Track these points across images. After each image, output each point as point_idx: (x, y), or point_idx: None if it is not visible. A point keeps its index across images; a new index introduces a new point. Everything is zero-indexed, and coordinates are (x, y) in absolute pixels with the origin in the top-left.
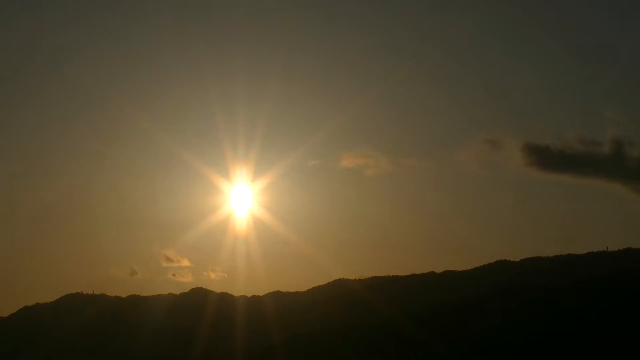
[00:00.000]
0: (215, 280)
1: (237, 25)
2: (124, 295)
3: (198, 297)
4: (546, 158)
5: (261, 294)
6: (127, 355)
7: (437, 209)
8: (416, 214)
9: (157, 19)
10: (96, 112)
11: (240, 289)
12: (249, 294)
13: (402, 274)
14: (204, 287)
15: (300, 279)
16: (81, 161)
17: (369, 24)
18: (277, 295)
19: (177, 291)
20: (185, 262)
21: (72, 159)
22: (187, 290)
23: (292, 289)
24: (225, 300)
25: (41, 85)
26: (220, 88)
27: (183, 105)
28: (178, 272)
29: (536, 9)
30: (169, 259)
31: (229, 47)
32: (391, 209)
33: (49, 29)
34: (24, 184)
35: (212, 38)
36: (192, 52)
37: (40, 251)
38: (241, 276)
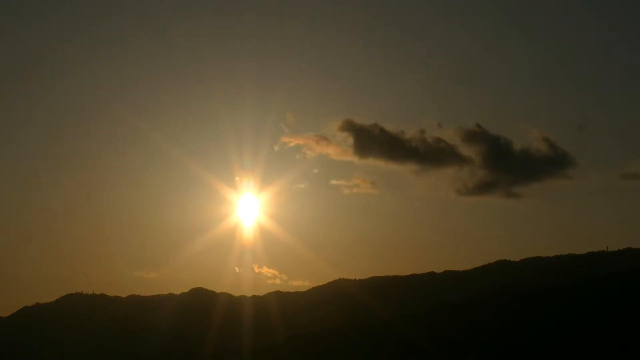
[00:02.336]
0: (216, 281)
1: (244, 35)
2: (124, 295)
3: (198, 297)
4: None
5: (261, 294)
6: (127, 355)
7: (437, 209)
8: (416, 214)
9: (165, 30)
10: (103, 120)
11: (239, 289)
12: (249, 294)
13: (402, 274)
14: (204, 287)
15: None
16: (87, 169)
17: (373, 28)
18: (277, 296)
19: (177, 291)
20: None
21: (77, 166)
22: (187, 290)
23: (293, 289)
24: (225, 300)
25: (49, 92)
26: (227, 98)
27: (191, 116)
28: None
29: None
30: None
31: (237, 57)
32: (391, 209)
33: (55, 36)
34: (26, 186)
35: (219, 48)
36: (198, 63)
37: (40, 251)
38: (246, 279)
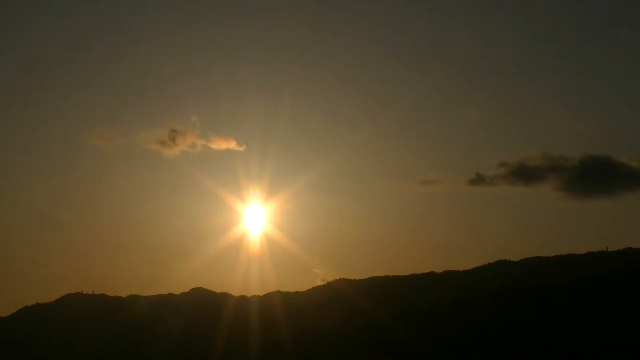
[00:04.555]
0: (216, 281)
1: (250, 44)
2: (124, 295)
3: (199, 297)
4: None
5: (261, 294)
6: (128, 355)
7: (437, 208)
8: (416, 214)
9: (170, 42)
10: (109, 124)
11: (239, 289)
12: (249, 294)
13: (402, 274)
14: (204, 287)
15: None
16: (92, 172)
17: (384, 38)
18: (277, 296)
19: (176, 291)
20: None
21: (82, 168)
22: (187, 290)
23: (292, 289)
24: (226, 299)
25: (54, 95)
26: (234, 108)
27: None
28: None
29: None
30: None
31: (243, 67)
32: (391, 209)
33: (56, 39)
34: (27, 186)
35: (225, 58)
36: (204, 71)
37: (40, 251)
38: (250, 281)
